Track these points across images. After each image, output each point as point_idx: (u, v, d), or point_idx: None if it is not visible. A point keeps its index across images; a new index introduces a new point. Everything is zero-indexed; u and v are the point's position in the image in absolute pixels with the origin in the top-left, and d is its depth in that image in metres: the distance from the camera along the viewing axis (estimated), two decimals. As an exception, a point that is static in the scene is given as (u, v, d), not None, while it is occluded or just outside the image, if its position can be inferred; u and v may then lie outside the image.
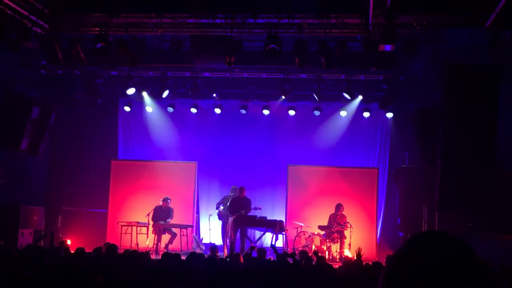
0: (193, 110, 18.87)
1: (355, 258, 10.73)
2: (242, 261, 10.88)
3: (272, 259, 13.29)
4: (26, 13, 13.44)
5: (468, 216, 13.84)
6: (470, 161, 13.64)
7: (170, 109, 18.94)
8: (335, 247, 16.21)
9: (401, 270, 1.70)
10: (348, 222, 16.27)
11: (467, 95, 13.89)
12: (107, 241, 13.80)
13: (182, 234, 16.80)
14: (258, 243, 16.08)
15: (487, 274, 1.66)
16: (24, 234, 15.51)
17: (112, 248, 10.01)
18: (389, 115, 18.18)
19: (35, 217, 16.28)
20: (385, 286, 1.72)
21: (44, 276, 6.57)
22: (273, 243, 15.40)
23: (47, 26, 14.20)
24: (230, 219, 16.06)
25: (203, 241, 17.74)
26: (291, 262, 10.66)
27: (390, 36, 12.37)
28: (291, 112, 18.51)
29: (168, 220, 16.86)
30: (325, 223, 16.44)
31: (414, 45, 13.56)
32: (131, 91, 17.81)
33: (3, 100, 15.76)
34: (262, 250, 11.99)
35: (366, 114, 18.37)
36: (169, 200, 17.03)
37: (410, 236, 1.90)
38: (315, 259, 11.30)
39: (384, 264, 10.08)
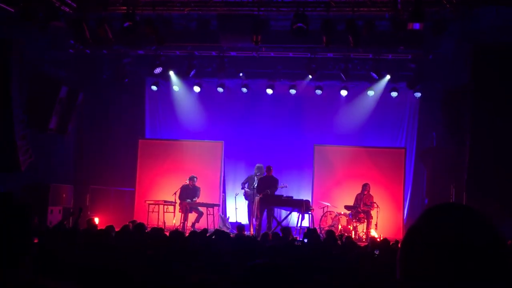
0: (220, 90, 18.86)
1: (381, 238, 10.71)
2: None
3: (298, 238, 13.31)
4: (55, -8, 13.55)
5: (497, 198, 13.65)
6: (500, 142, 13.44)
7: (197, 89, 18.93)
8: (361, 227, 16.16)
9: (417, 245, 1.61)
10: (374, 202, 16.17)
11: (497, 75, 13.65)
12: (134, 219, 13.89)
13: (208, 213, 16.86)
14: (284, 222, 16.10)
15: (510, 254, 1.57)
16: (54, 212, 15.73)
17: (140, 226, 10.11)
18: (417, 95, 17.96)
19: (64, 195, 16.48)
20: (402, 261, 1.65)
21: (73, 253, 6.66)
22: (300, 223, 15.44)
23: (75, 5, 14.29)
24: (257, 198, 16.07)
25: (229, 220, 17.83)
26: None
27: (419, 15, 12.23)
28: (318, 92, 18.37)
29: (194, 199, 16.94)
30: (351, 203, 16.36)
31: (443, 24, 13.36)
32: (158, 70, 17.87)
33: (32, 80, 15.89)
34: (287, 229, 12.01)
35: (394, 94, 18.16)
36: (195, 179, 17.07)
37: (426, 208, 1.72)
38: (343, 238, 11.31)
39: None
